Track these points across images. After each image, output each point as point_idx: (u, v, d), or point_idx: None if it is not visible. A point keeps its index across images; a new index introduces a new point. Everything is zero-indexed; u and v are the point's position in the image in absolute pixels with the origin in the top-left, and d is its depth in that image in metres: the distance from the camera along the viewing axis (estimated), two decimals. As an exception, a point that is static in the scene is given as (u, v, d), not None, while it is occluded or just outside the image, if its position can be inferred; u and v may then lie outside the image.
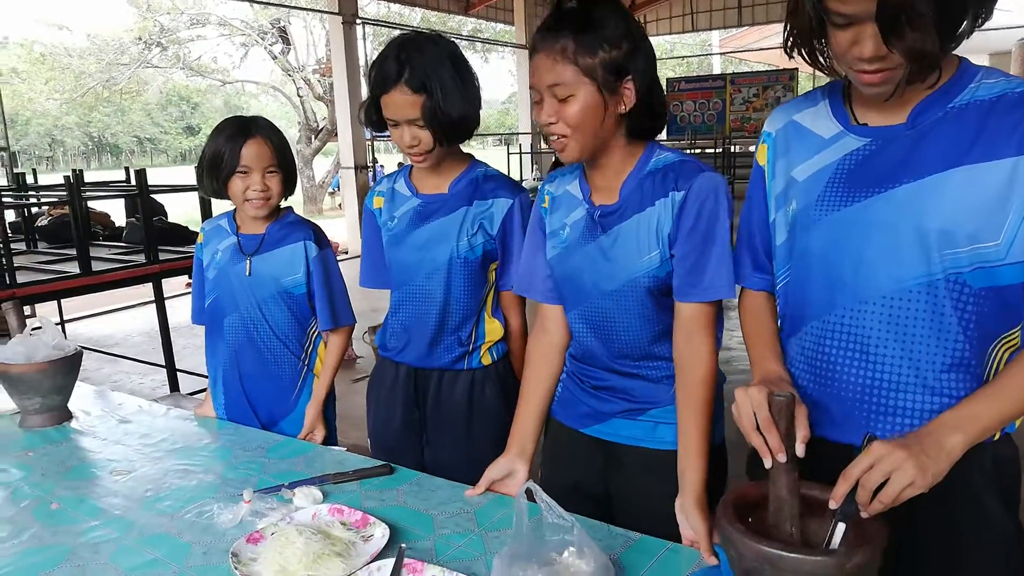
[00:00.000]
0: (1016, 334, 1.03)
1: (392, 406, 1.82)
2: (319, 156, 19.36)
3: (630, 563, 1.17)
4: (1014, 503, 1.06)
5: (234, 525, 1.31)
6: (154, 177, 4.48)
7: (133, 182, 4.34)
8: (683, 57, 26.81)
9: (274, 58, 18.68)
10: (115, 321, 7.09)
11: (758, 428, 0.98)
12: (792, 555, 0.88)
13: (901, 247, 1.00)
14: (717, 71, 21.79)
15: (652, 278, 1.31)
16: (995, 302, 1.00)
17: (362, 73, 9.95)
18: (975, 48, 7.47)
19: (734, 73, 17.06)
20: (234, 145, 1.79)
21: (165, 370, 4.43)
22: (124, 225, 5.33)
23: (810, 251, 1.10)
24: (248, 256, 1.89)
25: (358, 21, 10.35)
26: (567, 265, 1.41)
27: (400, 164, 4.20)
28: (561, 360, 1.51)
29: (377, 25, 14.87)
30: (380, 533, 1.23)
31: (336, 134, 11.19)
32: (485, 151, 32.06)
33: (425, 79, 1.53)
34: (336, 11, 10.02)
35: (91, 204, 5.64)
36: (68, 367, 1.87)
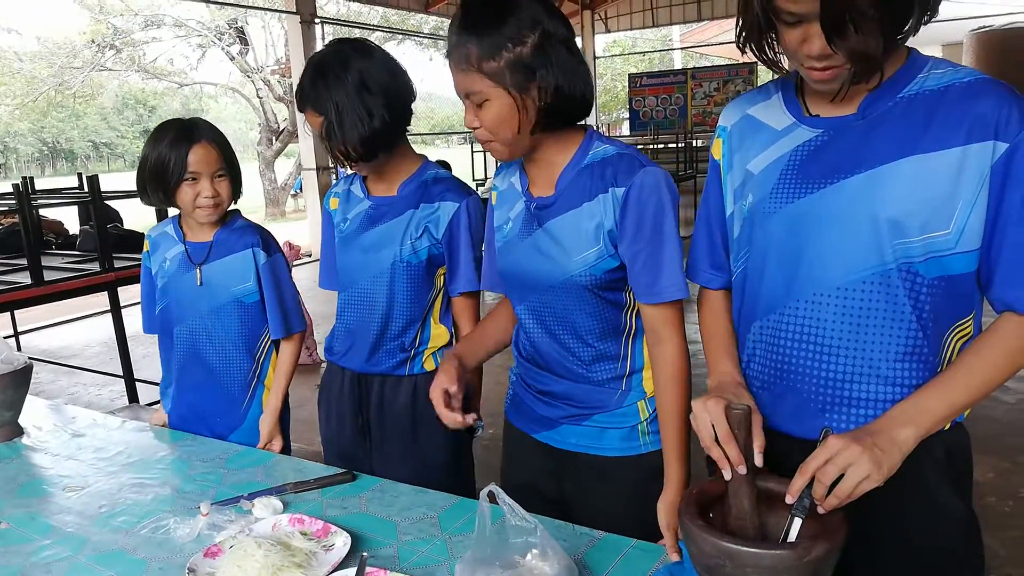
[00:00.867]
0: (968, 323, 1.05)
1: (340, 413, 1.80)
2: (281, 158, 19.13)
3: (594, 562, 1.16)
4: (967, 491, 1.08)
5: (191, 539, 1.28)
6: (111, 183, 4.38)
7: (86, 188, 4.23)
8: (644, 52, 26.98)
9: (232, 59, 18.40)
10: (72, 332, 6.93)
11: (716, 440, 0.99)
12: (751, 549, 0.89)
13: (854, 238, 1.01)
14: (678, 66, 21.99)
15: (589, 276, 1.29)
16: (947, 291, 1.01)
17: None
18: (927, 39, 7.64)
19: (695, 68, 17.21)
20: (179, 151, 1.72)
21: (123, 380, 4.34)
22: (78, 233, 5.21)
23: (765, 244, 1.10)
24: (198, 265, 1.84)
25: (317, 20, 10.23)
26: (509, 259, 1.40)
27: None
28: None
29: (336, 24, 14.71)
30: (342, 542, 1.21)
31: (297, 135, 11.04)
32: (450, 149, 31.99)
33: (325, 102, 1.55)
34: (294, 11, 9.89)
35: (43, 212, 5.50)
36: (17, 381, 1.81)
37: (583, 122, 1.33)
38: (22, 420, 1.88)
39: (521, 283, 1.39)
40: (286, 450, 1.91)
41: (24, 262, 3.86)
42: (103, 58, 18.82)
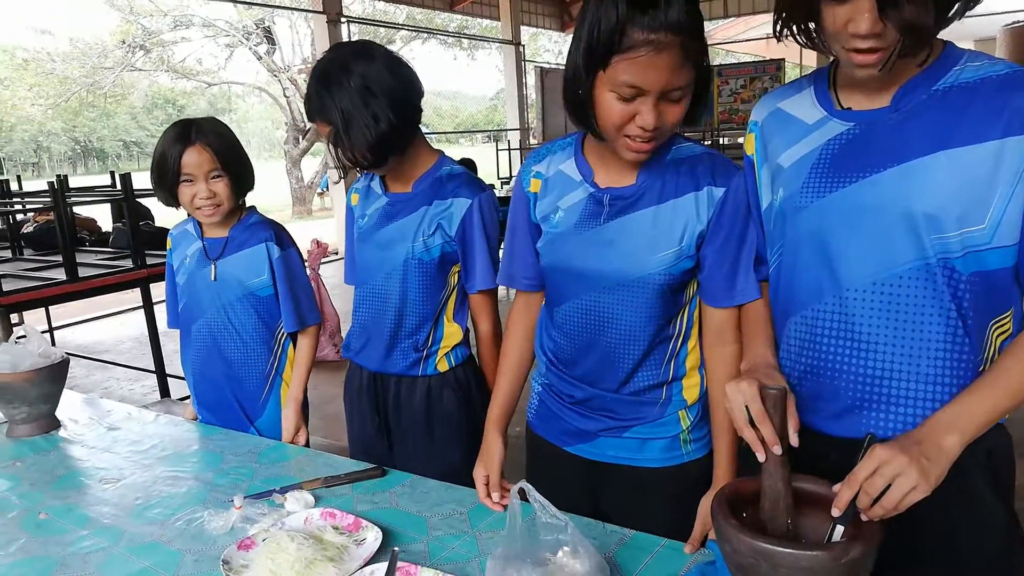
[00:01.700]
0: (1007, 319, 1.02)
1: (361, 411, 1.81)
2: (307, 156, 19.28)
3: (625, 561, 1.16)
4: (1008, 492, 1.06)
5: (225, 532, 1.30)
6: (141, 181, 4.44)
7: (119, 186, 4.30)
8: (670, 50, 26.72)
9: (259, 58, 18.59)
10: (105, 327, 7.04)
11: (751, 422, 0.97)
12: (787, 550, 0.88)
13: (889, 232, 0.99)
14: (704, 63, 21.71)
15: (667, 275, 1.23)
16: (985, 287, 0.99)
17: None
18: (960, 35, 7.49)
19: (721, 64, 17.05)
20: (175, 152, 1.76)
21: (155, 375, 4.41)
22: (111, 230, 5.29)
23: (798, 239, 1.08)
24: (213, 260, 1.88)
25: (343, 20, 10.30)
26: (562, 253, 1.31)
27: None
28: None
29: (363, 23, 14.80)
30: (373, 537, 1.22)
31: (323, 134, 11.10)
32: (474, 148, 32.01)
33: (331, 111, 1.55)
34: (320, 10, 9.95)
35: (77, 209, 5.60)
36: (54, 375, 1.85)
37: None
38: (59, 413, 1.92)
39: (576, 279, 1.30)
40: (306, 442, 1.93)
41: (59, 259, 3.93)
42: (133, 58, 19.13)
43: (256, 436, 1.83)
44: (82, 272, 3.90)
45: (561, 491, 1.41)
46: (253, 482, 1.52)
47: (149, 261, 4.10)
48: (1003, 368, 0.99)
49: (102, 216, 6.18)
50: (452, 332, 1.72)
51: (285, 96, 18.46)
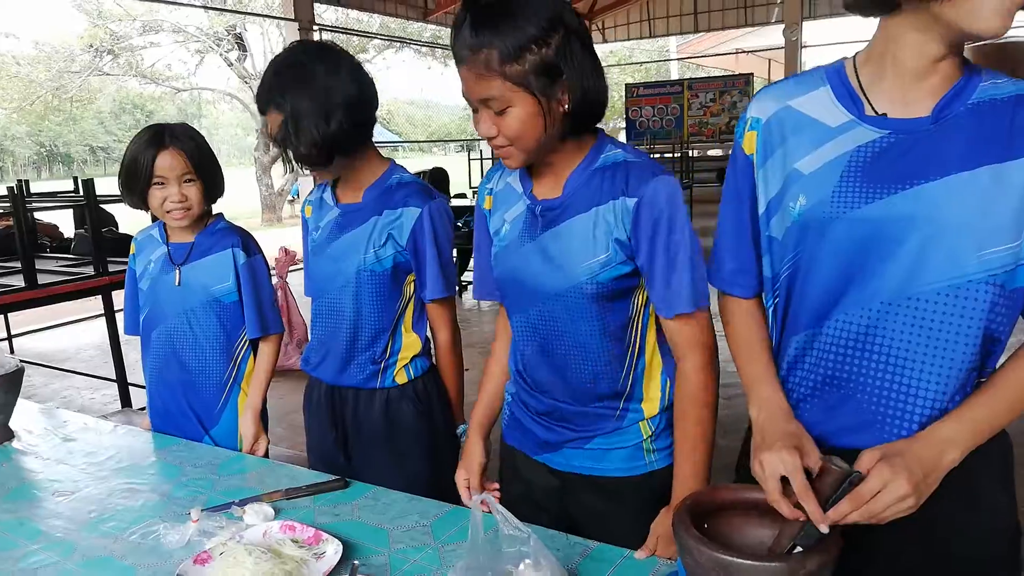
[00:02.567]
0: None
1: (320, 424, 1.78)
2: (277, 163, 19.07)
3: (588, 573, 1.15)
4: (1011, 496, 1.05)
5: (181, 546, 1.27)
6: (107, 187, 4.37)
7: (82, 192, 4.22)
8: (641, 63, 27.06)
9: (230, 65, 18.44)
10: (66, 335, 6.89)
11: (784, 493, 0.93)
12: (749, 562, 0.88)
13: (930, 246, 0.96)
14: (675, 76, 22.07)
15: (595, 284, 1.23)
16: (1016, 303, 0.97)
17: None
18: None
19: (691, 78, 17.28)
20: (147, 156, 1.74)
21: (116, 384, 4.32)
22: (73, 236, 5.19)
23: (822, 249, 1.03)
24: (177, 266, 1.85)
25: (315, 27, 10.25)
26: (507, 265, 1.33)
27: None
28: None
29: (335, 31, 14.74)
30: (333, 550, 1.20)
31: (294, 141, 11.01)
32: (447, 157, 32.00)
33: (285, 104, 1.53)
34: (292, 17, 9.90)
35: (39, 215, 5.48)
36: (8, 385, 1.80)
37: None
38: (12, 424, 1.87)
39: (520, 291, 1.32)
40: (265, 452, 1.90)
41: (18, 265, 3.84)
42: (101, 63, 18.85)
43: (216, 447, 1.79)
44: (42, 279, 3.81)
45: (534, 500, 1.42)
46: (212, 494, 1.48)
47: (112, 268, 4.02)
48: (1004, 380, 0.98)
49: (65, 222, 6.06)
50: (410, 343, 1.70)
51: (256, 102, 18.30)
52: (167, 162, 1.75)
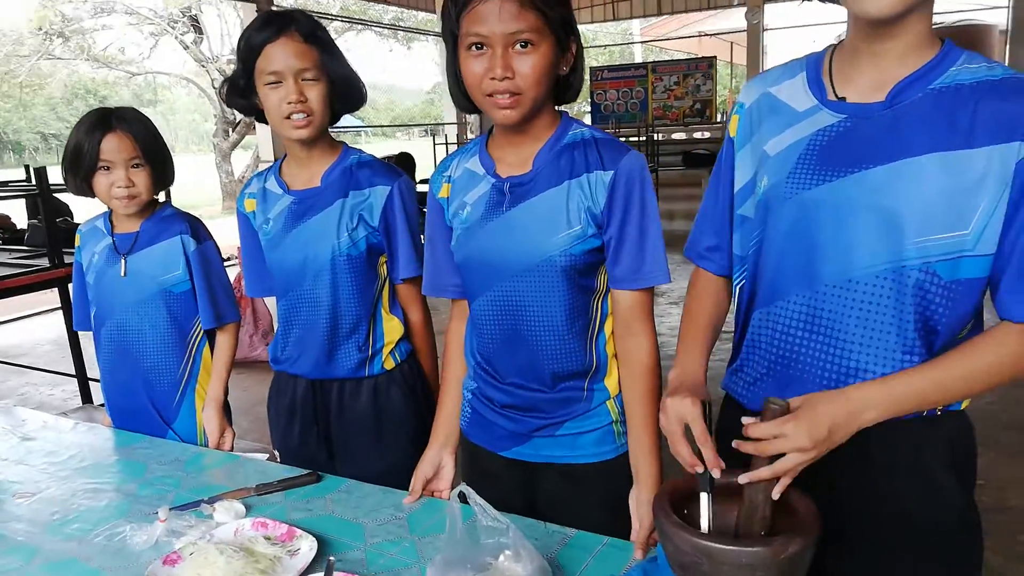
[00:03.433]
0: (967, 333, 1.02)
1: (292, 422, 1.72)
2: (237, 150, 18.74)
3: (567, 561, 1.15)
4: (966, 476, 1.06)
5: (149, 547, 1.24)
6: (59, 175, 4.23)
7: (34, 181, 4.08)
8: (605, 46, 27.05)
9: (186, 48, 17.97)
10: (21, 329, 6.70)
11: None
12: (729, 547, 0.88)
13: (872, 230, 0.98)
14: (639, 60, 22.09)
15: (568, 256, 1.24)
16: (960, 295, 0.98)
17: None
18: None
19: (655, 61, 17.30)
20: (93, 139, 1.68)
21: (75, 380, 4.21)
22: (26, 227, 5.03)
23: (778, 229, 1.06)
24: (123, 255, 1.79)
25: (274, 8, 10.04)
26: (472, 246, 1.31)
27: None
28: None
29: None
30: (307, 546, 1.18)
31: (255, 127, 10.85)
32: (411, 142, 31.69)
33: (316, 32, 1.54)
34: (250, -1, 9.68)
35: (-11, 205, 5.31)
36: (-39, 383, 1.73)
37: None
38: (-33, 424, 1.80)
39: (487, 270, 1.31)
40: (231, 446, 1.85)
41: (-32, 258, 3.71)
42: (51, 46, 18.23)
43: (182, 443, 1.75)
44: (-6, 272, 3.70)
45: (500, 496, 1.38)
46: (180, 492, 1.45)
47: (67, 259, 3.90)
48: (943, 362, 0.99)
49: (17, 212, 5.88)
50: (392, 327, 1.67)
51: (214, 87, 17.89)
52: (113, 145, 1.69)
